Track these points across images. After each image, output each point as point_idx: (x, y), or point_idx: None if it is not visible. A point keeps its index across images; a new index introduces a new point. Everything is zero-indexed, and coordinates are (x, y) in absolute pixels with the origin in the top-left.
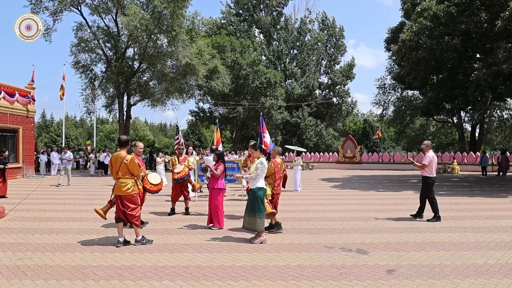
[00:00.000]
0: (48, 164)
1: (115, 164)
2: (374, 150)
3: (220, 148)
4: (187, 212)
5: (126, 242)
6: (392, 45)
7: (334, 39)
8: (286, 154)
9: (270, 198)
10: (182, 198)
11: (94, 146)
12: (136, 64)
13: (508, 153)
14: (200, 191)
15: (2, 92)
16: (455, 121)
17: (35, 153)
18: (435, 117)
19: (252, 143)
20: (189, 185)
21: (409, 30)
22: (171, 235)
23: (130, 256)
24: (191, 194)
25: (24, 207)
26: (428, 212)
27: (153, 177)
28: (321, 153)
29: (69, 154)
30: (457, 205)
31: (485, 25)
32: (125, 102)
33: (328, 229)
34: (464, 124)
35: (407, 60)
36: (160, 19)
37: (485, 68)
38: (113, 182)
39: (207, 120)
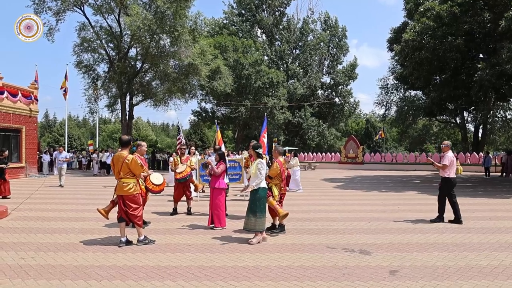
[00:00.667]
0: (51, 163)
1: (117, 164)
2: (377, 150)
3: (223, 148)
4: (189, 212)
5: (129, 242)
6: (395, 45)
7: (337, 39)
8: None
9: (278, 198)
10: (184, 198)
11: (97, 146)
12: (138, 64)
13: None
14: (202, 191)
15: (5, 92)
16: (458, 121)
17: (38, 152)
18: (438, 117)
19: (253, 143)
20: (191, 185)
21: (412, 30)
22: (173, 235)
23: (132, 256)
24: (193, 194)
25: (27, 206)
26: (449, 213)
27: (155, 178)
28: (323, 154)
29: (64, 154)
30: (460, 205)
31: (489, 25)
32: (127, 102)
33: (331, 229)
34: (467, 124)
35: (410, 60)
36: (163, 19)
37: (488, 68)
38: (115, 182)
39: (210, 120)
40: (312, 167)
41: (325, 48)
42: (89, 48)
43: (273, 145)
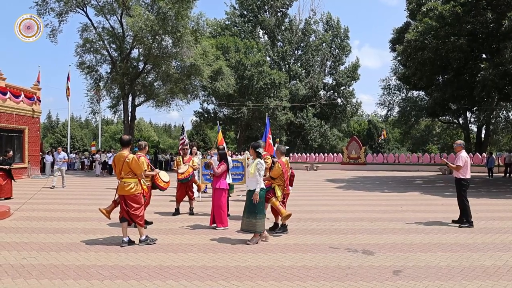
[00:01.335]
0: (54, 164)
1: (118, 164)
2: (379, 151)
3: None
4: (191, 212)
5: (131, 242)
6: (397, 45)
7: (339, 40)
8: (290, 154)
9: (281, 199)
10: (186, 198)
11: (99, 146)
12: (141, 65)
13: None
14: (205, 191)
15: (8, 93)
16: (460, 122)
17: (40, 153)
18: (440, 118)
19: (258, 142)
20: (194, 185)
21: (414, 30)
22: (175, 235)
23: (134, 256)
24: (196, 194)
25: (30, 206)
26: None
27: (163, 175)
28: (326, 154)
29: (63, 155)
30: None
31: (492, 25)
32: (129, 102)
33: (333, 229)
34: (470, 125)
35: (413, 61)
36: (165, 20)
37: (491, 68)
38: (117, 182)
39: (212, 121)
40: (314, 168)
41: (327, 48)
42: (92, 49)
43: (275, 145)
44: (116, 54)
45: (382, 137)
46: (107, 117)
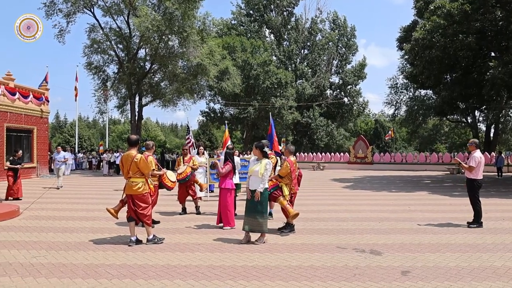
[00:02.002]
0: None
1: (126, 164)
2: (386, 150)
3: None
4: (198, 211)
5: (138, 241)
6: (404, 44)
7: (345, 39)
8: (297, 154)
9: (288, 198)
10: (191, 198)
11: (107, 146)
12: (147, 65)
13: None
14: (211, 191)
15: (17, 93)
16: (469, 121)
17: (49, 153)
18: (448, 117)
19: (264, 142)
20: (196, 185)
21: (422, 29)
22: (182, 235)
23: (142, 255)
24: (201, 193)
25: (38, 206)
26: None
27: (170, 175)
28: (332, 154)
29: (62, 155)
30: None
31: (501, 22)
32: (136, 102)
33: (341, 229)
34: (478, 124)
35: (420, 59)
36: (172, 20)
37: (500, 66)
38: (124, 181)
39: (218, 121)
40: (321, 167)
41: (334, 47)
42: (99, 49)
43: (282, 144)
44: (123, 54)
45: (390, 136)
46: (114, 117)
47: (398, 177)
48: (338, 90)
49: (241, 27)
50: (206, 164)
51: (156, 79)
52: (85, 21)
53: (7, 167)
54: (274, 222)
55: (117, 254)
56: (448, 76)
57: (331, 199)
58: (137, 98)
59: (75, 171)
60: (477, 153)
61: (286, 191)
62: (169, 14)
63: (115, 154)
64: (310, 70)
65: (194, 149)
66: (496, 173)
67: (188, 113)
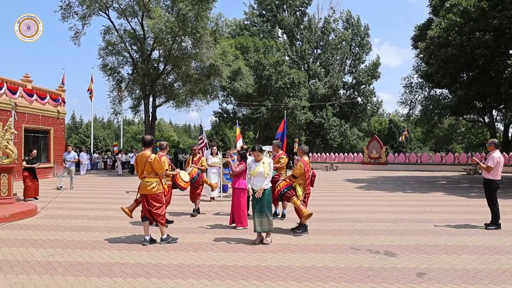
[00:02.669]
0: (78, 164)
1: (140, 164)
2: (400, 150)
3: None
4: (193, 214)
5: (152, 241)
6: (419, 42)
7: (359, 38)
8: (310, 154)
9: (302, 198)
10: (205, 198)
11: (121, 147)
12: (161, 66)
13: None
14: (225, 191)
15: (35, 95)
16: (486, 120)
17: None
18: (465, 116)
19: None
20: (205, 184)
21: (437, 27)
22: (196, 234)
23: (156, 255)
24: (214, 193)
25: (55, 205)
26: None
27: (184, 175)
28: (346, 154)
29: (73, 155)
30: None
31: None
32: (150, 103)
33: (354, 230)
34: (496, 123)
35: (436, 58)
36: (185, 21)
37: None
38: (138, 181)
39: (231, 121)
40: (334, 168)
41: (347, 47)
42: (114, 51)
43: (295, 145)
44: (137, 56)
45: (405, 136)
46: (128, 117)
47: (413, 177)
48: (352, 90)
49: (254, 27)
50: (219, 164)
51: (170, 80)
52: (100, 23)
53: (23, 167)
54: (287, 222)
55: (131, 253)
56: (464, 75)
57: (345, 199)
58: (151, 99)
59: (90, 171)
60: (496, 153)
61: (299, 191)
62: (183, 16)
63: (130, 154)
64: (323, 69)
65: (207, 149)
66: None
67: (201, 114)
